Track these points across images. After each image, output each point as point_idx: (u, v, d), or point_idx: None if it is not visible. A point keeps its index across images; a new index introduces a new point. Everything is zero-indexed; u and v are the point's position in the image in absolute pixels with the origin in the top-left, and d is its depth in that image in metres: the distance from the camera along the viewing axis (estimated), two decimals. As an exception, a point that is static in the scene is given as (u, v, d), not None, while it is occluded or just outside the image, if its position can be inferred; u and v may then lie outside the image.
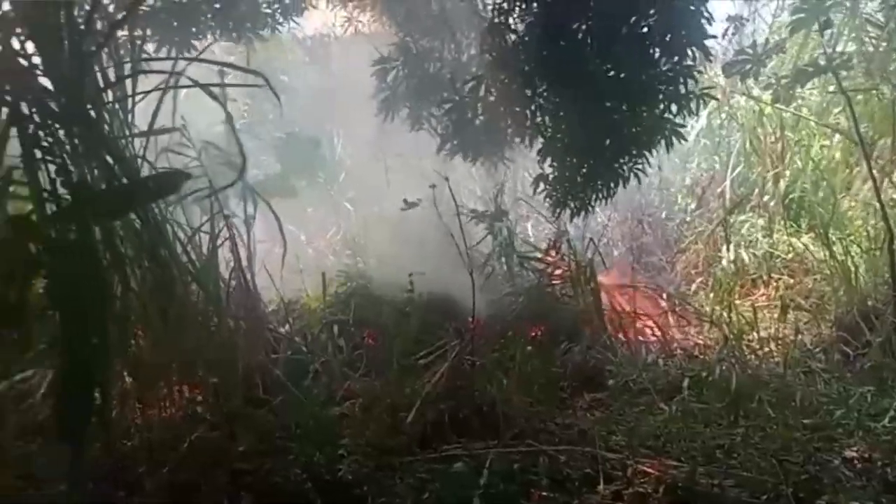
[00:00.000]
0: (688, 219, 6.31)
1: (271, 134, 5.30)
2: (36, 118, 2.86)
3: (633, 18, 3.59)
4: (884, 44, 4.85)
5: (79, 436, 2.54)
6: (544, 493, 3.01)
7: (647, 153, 3.98)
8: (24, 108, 2.92)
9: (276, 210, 5.74)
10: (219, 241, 4.30)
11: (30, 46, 3.10)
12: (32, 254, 2.42)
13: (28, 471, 2.92)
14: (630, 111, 3.81)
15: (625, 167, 4.08)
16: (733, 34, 5.06)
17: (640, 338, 5.00)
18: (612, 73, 3.73)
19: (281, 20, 4.74)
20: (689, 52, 3.59)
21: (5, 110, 2.81)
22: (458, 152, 4.88)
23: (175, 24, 4.17)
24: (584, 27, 3.67)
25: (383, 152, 5.51)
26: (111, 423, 2.96)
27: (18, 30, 2.93)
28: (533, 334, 4.83)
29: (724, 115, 6.37)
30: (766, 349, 4.74)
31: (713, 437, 3.54)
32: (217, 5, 4.29)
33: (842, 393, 4.08)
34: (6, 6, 3.05)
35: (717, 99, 4.22)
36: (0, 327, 2.52)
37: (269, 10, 4.61)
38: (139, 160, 3.66)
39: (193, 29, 4.26)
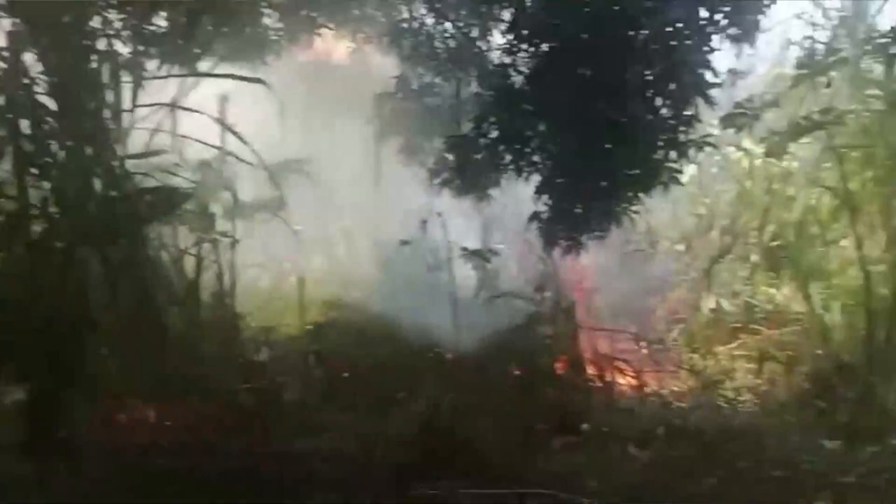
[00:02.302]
0: (673, 265, 6.37)
1: (269, 157, 5.34)
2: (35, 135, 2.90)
3: (639, 67, 3.68)
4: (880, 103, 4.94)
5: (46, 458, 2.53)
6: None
7: (640, 196, 4.05)
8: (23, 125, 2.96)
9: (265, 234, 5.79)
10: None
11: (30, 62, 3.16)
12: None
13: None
14: (630, 155, 3.88)
15: (619, 208, 4.15)
16: (731, 86, 5.15)
17: (618, 382, 5.04)
18: (614, 118, 3.79)
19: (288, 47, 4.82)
20: (691, 101, 3.68)
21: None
22: (448, 185, 4.92)
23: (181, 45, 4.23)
24: (589, 73, 3.74)
25: (377, 182, 5.54)
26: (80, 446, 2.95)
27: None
28: (512, 374, 4.87)
29: (714, 165, 6.47)
30: (742, 399, 4.78)
31: (684, 486, 3.55)
32: (224, 29, 4.36)
33: (813, 447, 4.11)
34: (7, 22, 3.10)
35: (715, 147, 4.32)
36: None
37: (276, 37, 4.69)
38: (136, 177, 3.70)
39: (198, 51, 4.32)
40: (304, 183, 5.31)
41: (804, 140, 5.37)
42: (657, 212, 6.48)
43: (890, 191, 5.06)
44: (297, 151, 5.32)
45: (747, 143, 5.97)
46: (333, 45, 5.59)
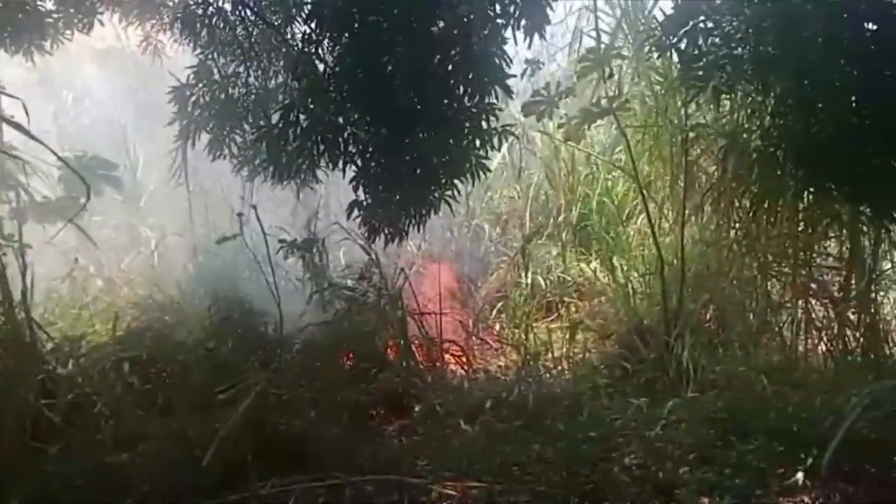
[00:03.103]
0: (492, 248, 6.67)
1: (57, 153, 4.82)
2: None
3: (438, 57, 3.76)
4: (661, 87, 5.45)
5: None
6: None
7: (455, 182, 4.16)
8: None
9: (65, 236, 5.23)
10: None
11: None
12: None
13: None
14: (438, 143, 3.96)
15: (435, 195, 4.23)
16: (531, 76, 5.42)
17: (448, 363, 5.17)
18: (419, 106, 3.85)
19: (67, 32, 4.36)
20: (492, 91, 3.82)
21: None
22: (258, 175, 4.76)
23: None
24: (391, 61, 3.77)
25: (187, 177, 5.21)
26: None
27: None
28: (342, 364, 4.83)
29: (523, 150, 6.85)
30: (559, 368, 5.11)
31: (511, 454, 3.73)
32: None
33: (622, 405, 4.48)
34: None
35: (516, 136, 4.53)
36: None
37: (51, 20, 4.22)
38: None
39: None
40: (106, 181, 4.85)
41: (599, 124, 5.84)
42: (474, 197, 6.77)
43: (674, 168, 5.63)
44: (95, 147, 4.88)
45: (550, 129, 6.39)
46: (123, 33, 5.18)
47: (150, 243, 5.81)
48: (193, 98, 4.70)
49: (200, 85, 4.73)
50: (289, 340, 4.84)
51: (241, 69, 4.80)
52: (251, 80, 4.85)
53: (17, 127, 4.14)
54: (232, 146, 4.79)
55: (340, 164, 4.27)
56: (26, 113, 3.95)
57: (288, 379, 4.33)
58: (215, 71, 4.78)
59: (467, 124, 3.81)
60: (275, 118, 4.15)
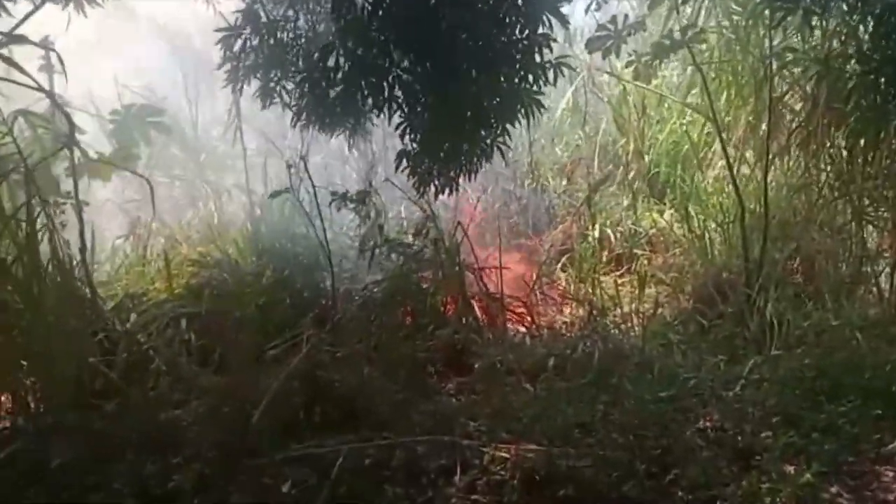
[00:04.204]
0: (557, 199, 6.34)
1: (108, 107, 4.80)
2: None
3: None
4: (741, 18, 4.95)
5: None
6: (398, 490, 2.86)
7: (508, 125, 3.89)
8: None
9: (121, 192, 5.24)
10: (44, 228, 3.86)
11: None
12: None
13: None
14: (487, 81, 3.69)
15: (487, 140, 3.98)
16: (597, 9, 5.01)
17: (508, 318, 4.95)
18: (465, 41, 3.58)
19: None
20: (545, 20, 3.50)
21: None
22: (314, 127, 4.60)
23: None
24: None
25: (241, 129, 5.12)
26: None
27: None
28: (399, 320, 4.68)
29: (589, 93, 6.44)
30: (628, 324, 4.81)
31: (574, 415, 3.50)
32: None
33: (696, 363, 4.17)
34: None
35: (573, 69, 4.13)
36: None
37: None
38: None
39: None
40: (156, 128, 4.80)
41: (672, 61, 5.39)
42: (538, 146, 6.44)
43: (756, 107, 5.15)
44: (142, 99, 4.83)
45: (618, 68, 5.95)
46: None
47: (209, 200, 5.79)
48: (239, 42, 4.56)
49: (248, 29, 4.58)
50: (345, 297, 4.74)
51: (290, 12, 4.62)
52: (300, 22, 4.67)
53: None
54: (283, 94, 4.64)
55: (386, 111, 4.07)
56: (61, 63, 3.88)
57: (342, 336, 4.22)
58: (262, 14, 4.62)
59: (518, 58, 3.50)
60: (315, 61, 3.96)
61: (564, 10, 3.65)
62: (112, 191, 5.51)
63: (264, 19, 4.48)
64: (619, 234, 5.97)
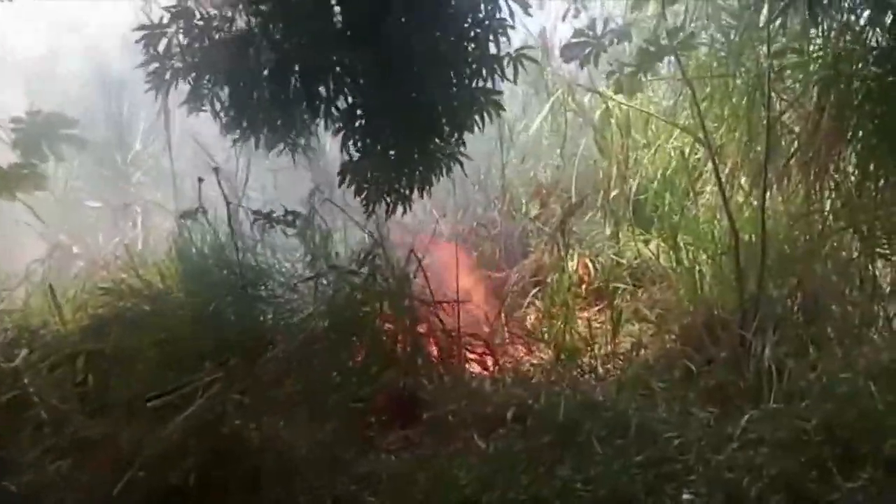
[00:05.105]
0: (530, 226, 5.74)
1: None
2: None
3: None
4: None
5: None
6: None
7: (461, 131, 3.34)
8: None
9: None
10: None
11: None
12: None
13: None
14: (436, 80, 3.14)
15: (441, 151, 3.44)
16: (574, 17, 4.50)
17: (468, 359, 4.32)
18: (409, 32, 3.04)
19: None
20: (503, 4, 2.96)
21: None
22: (249, 138, 4.03)
23: None
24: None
25: (170, 140, 4.56)
26: None
27: None
28: (339, 359, 4.04)
29: (568, 112, 5.88)
30: (606, 366, 4.18)
31: (528, 487, 2.85)
32: None
33: (681, 418, 3.53)
34: None
35: (535, 61, 3.55)
36: None
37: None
38: None
39: None
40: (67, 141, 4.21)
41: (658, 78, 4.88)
42: (509, 166, 5.89)
43: (751, 125, 4.61)
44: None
45: (601, 85, 5.42)
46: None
47: (125, 219, 5.19)
48: (165, 42, 4.00)
49: (173, 27, 4.02)
50: (277, 331, 4.12)
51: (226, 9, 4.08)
52: (238, 21, 4.12)
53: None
54: (214, 100, 4.07)
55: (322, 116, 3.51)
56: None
57: (264, 378, 3.58)
58: (194, 10, 4.07)
59: (470, 49, 2.94)
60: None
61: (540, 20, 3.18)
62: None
63: (197, 17, 3.94)
64: (599, 266, 5.36)
